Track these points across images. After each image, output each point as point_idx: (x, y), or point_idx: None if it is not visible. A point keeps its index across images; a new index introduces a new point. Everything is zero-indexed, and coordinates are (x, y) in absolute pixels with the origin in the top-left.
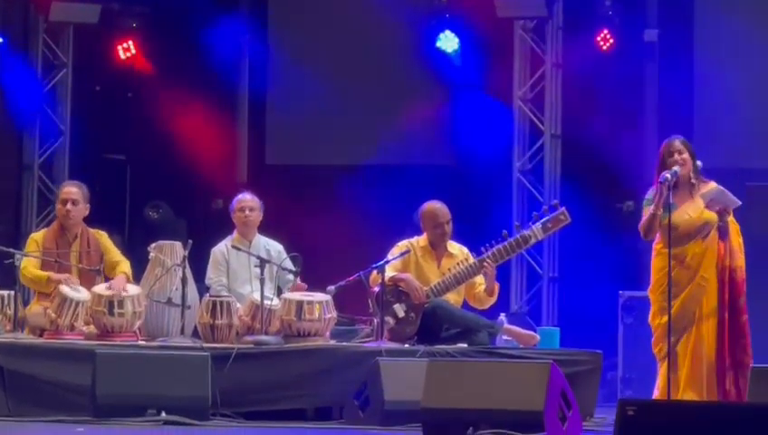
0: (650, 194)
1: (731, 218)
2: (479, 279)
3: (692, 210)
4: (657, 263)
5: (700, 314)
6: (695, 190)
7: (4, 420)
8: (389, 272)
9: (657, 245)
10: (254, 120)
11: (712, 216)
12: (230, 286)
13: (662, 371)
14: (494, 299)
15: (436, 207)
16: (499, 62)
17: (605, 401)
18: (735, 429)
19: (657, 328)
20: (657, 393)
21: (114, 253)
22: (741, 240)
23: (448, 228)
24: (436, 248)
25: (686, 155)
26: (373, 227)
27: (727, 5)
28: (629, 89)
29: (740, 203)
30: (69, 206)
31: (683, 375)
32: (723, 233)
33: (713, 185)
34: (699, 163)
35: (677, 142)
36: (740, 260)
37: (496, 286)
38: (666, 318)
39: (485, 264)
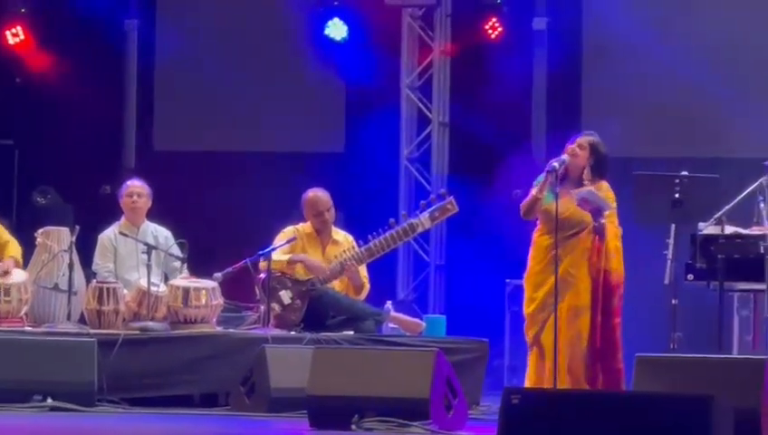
0: (541, 177)
1: (613, 222)
2: (362, 269)
3: (569, 205)
4: (531, 251)
5: (564, 309)
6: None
7: None
8: (282, 256)
9: (535, 233)
10: (143, 106)
11: (587, 215)
12: (117, 272)
13: (529, 360)
14: (362, 296)
15: (317, 195)
16: (388, 49)
17: (491, 388)
18: (619, 417)
19: (526, 317)
20: (526, 382)
21: (2, 233)
22: (619, 244)
23: (329, 216)
24: (321, 235)
25: (584, 152)
26: (261, 213)
27: None
28: (518, 77)
29: (612, 208)
30: None
31: (547, 367)
32: (599, 233)
33: (602, 185)
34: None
35: (583, 138)
36: (615, 263)
37: (365, 285)
38: (532, 307)
39: (347, 264)
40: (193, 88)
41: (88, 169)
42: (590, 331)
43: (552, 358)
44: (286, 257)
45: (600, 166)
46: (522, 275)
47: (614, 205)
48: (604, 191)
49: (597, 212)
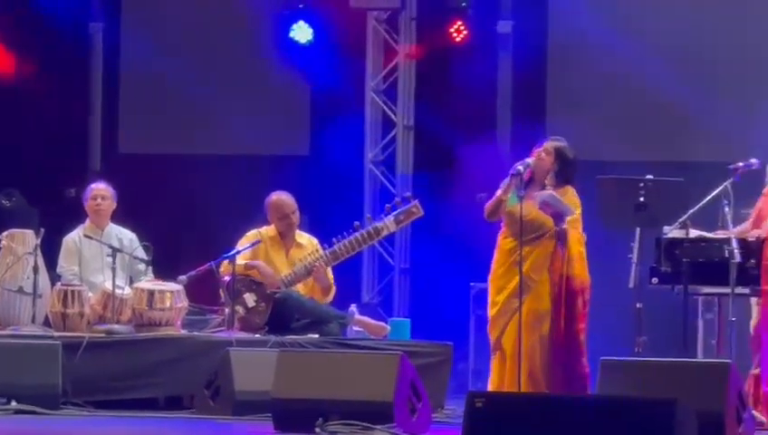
0: (506, 180)
1: (576, 227)
2: (327, 273)
3: (532, 208)
4: (495, 254)
5: (524, 312)
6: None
7: None
8: (241, 260)
9: (500, 236)
10: (108, 109)
11: (549, 219)
12: (82, 275)
13: (492, 363)
14: (329, 298)
15: (281, 198)
16: (353, 52)
17: (455, 392)
18: (583, 420)
19: (489, 320)
20: (490, 386)
21: None
22: (583, 249)
23: (294, 218)
24: (285, 238)
25: (549, 156)
26: (225, 216)
27: None
28: (483, 80)
29: (574, 213)
30: None
31: (508, 370)
32: (560, 238)
33: (567, 190)
34: None
35: (549, 143)
36: (578, 269)
37: (332, 287)
38: (494, 311)
39: (315, 266)
40: (158, 91)
41: (53, 172)
42: (553, 336)
43: (512, 361)
44: (243, 262)
45: (566, 171)
46: (486, 279)
47: (578, 211)
48: (569, 197)
49: (558, 216)
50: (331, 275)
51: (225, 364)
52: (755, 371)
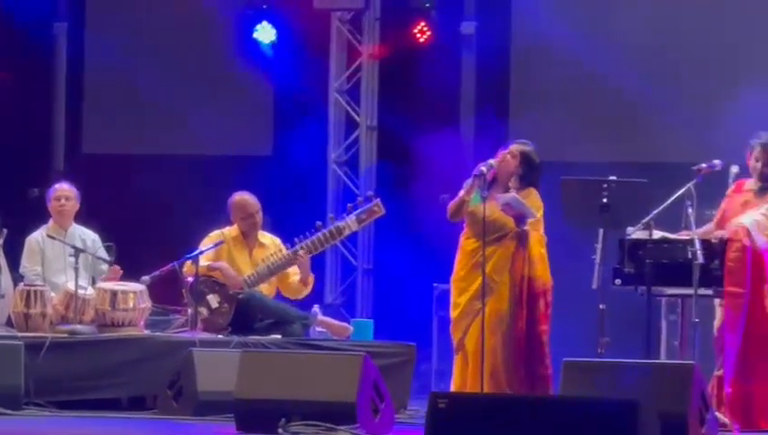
0: (469, 181)
1: (537, 229)
2: (293, 269)
3: (494, 209)
4: (458, 255)
5: (486, 314)
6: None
7: None
8: (204, 262)
9: (462, 237)
10: (72, 108)
11: (510, 220)
12: (45, 275)
13: (455, 364)
14: (308, 289)
15: (244, 198)
16: (316, 53)
17: (418, 392)
18: (546, 421)
19: (452, 321)
20: (452, 386)
21: None
22: (544, 251)
23: (258, 218)
24: (248, 238)
25: (514, 160)
26: (189, 217)
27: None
28: (447, 81)
29: (536, 217)
30: None
31: (470, 371)
32: (521, 240)
33: (531, 192)
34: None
35: (515, 146)
36: (539, 270)
37: (311, 277)
38: (456, 312)
39: (300, 254)
40: (122, 91)
41: (16, 172)
42: (514, 337)
43: (474, 362)
44: (206, 263)
45: (530, 175)
46: (449, 280)
47: (540, 213)
48: (532, 199)
49: (520, 218)
50: (297, 274)
51: (188, 365)
52: (719, 372)
